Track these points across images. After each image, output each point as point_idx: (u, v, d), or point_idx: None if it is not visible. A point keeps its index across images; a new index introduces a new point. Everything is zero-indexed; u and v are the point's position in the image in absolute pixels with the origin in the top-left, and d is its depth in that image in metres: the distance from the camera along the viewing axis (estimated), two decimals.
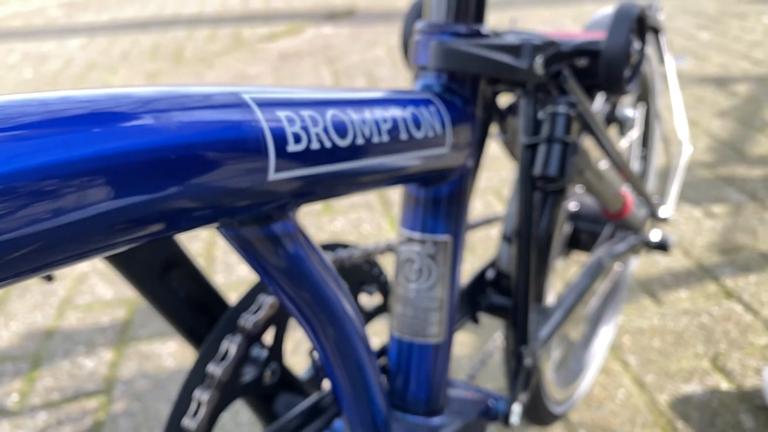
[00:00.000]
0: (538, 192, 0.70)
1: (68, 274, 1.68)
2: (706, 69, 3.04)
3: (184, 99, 0.31)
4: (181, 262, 0.56)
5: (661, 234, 1.09)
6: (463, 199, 0.56)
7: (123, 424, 1.20)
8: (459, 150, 0.51)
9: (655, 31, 1.02)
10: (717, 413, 1.17)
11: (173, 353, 1.38)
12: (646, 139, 1.24)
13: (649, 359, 1.31)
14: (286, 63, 3.51)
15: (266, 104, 0.34)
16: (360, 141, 0.39)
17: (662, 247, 1.08)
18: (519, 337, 0.71)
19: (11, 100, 0.25)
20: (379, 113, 0.42)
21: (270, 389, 0.59)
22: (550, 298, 0.91)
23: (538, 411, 1.03)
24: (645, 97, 1.15)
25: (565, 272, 1.26)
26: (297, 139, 0.35)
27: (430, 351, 0.59)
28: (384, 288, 0.69)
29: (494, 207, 1.93)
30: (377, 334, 1.34)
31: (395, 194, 2.00)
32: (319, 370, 0.61)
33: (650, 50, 1.08)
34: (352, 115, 0.39)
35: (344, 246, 0.64)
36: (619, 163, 0.78)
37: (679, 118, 1.13)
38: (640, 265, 1.60)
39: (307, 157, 0.35)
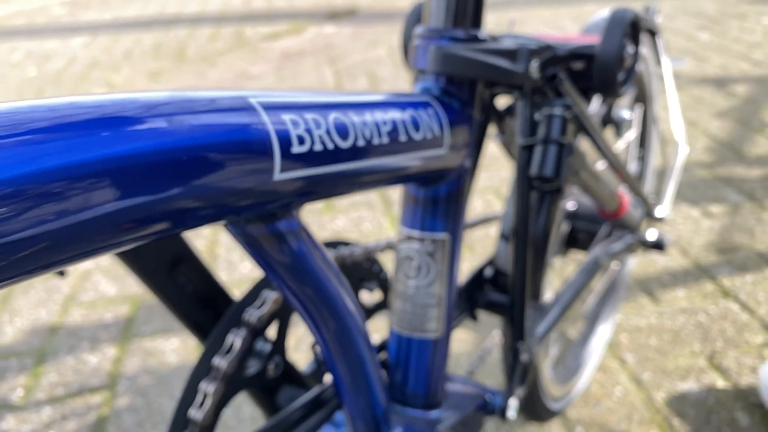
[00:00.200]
0: (534, 192, 0.72)
1: (72, 271, 1.70)
2: (705, 70, 3.05)
3: (194, 103, 0.32)
4: (188, 259, 0.58)
5: (657, 233, 1.11)
6: (461, 198, 0.58)
7: (127, 419, 1.22)
8: (457, 151, 0.53)
9: (652, 33, 1.04)
10: (713, 411, 1.18)
11: (176, 349, 1.40)
12: (643, 140, 1.25)
13: (646, 357, 1.33)
14: (288, 62, 3.53)
15: (272, 108, 0.36)
16: (361, 142, 0.41)
17: (658, 246, 1.09)
18: (516, 333, 0.73)
19: (39, 104, 0.27)
20: (380, 115, 0.43)
21: (273, 382, 0.61)
22: (548, 295, 0.93)
23: (535, 407, 1.04)
24: (642, 98, 1.16)
25: (563, 270, 1.27)
26: (301, 140, 0.36)
27: (428, 346, 0.61)
28: (384, 285, 0.71)
29: (494, 206, 1.94)
30: (377, 331, 1.35)
31: (396, 193, 2.02)
32: (320, 364, 0.62)
33: (647, 52, 1.09)
34: (354, 118, 0.41)
35: (346, 244, 0.66)
36: (614, 164, 0.80)
37: (675, 119, 1.14)
38: (638, 264, 1.62)
39: (310, 158, 0.37)
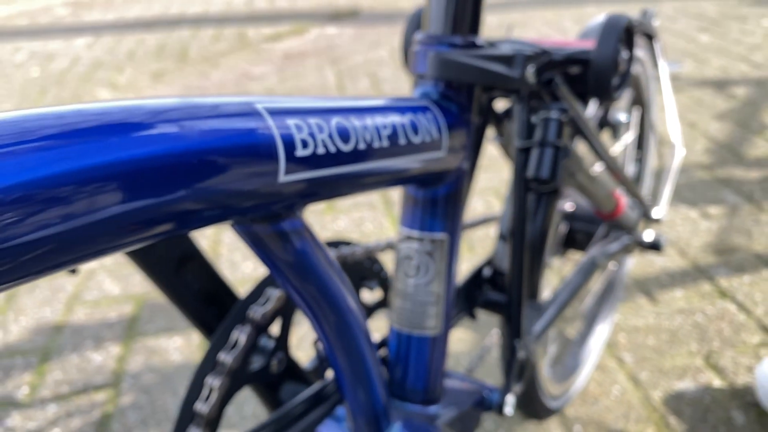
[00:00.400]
0: (531, 193, 0.73)
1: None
2: (705, 72, 3.06)
3: (203, 109, 0.34)
4: (195, 258, 0.60)
5: (654, 234, 1.12)
6: (459, 199, 0.59)
7: (131, 417, 1.24)
8: (455, 153, 0.54)
9: (649, 37, 1.06)
10: (709, 409, 1.20)
11: (179, 348, 1.42)
12: (641, 142, 1.27)
13: (643, 357, 1.34)
14: (290, 63, 3.54)
15: (277, 113, 0.37)
16: (362, 146, 0.43)
17: (655, 247, 1.11)
18: (513, 331, 0.75)
19: (57, 111, 0.28)
20: (380, 120, 0.45)
21: (276, 377, 0.63)
22: (547, 294, 0.95)
23: (534, 405, 1.06)
24: (640, 101, 1.18)
25: (561, 270, 1.29)
26: (304, 144, 0.38)
27: (427, 343, 0.62)
28: (384, 284, 0.73)
29: (494, 206, 1.96)
30: (377, 330, 1.37)
31: (397, 194, 2.04)
32: (323, 360, 0.64)
33: (645, 55, 1.11)
34: (355, 122, 0.43)
35: (347, 243, 0.68)
36: (611, 166, 0.82)
37: (672, 121, 1.16)
38: (636, 264, 1.63)
39: (313, 161, 0.39)
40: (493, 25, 4.10)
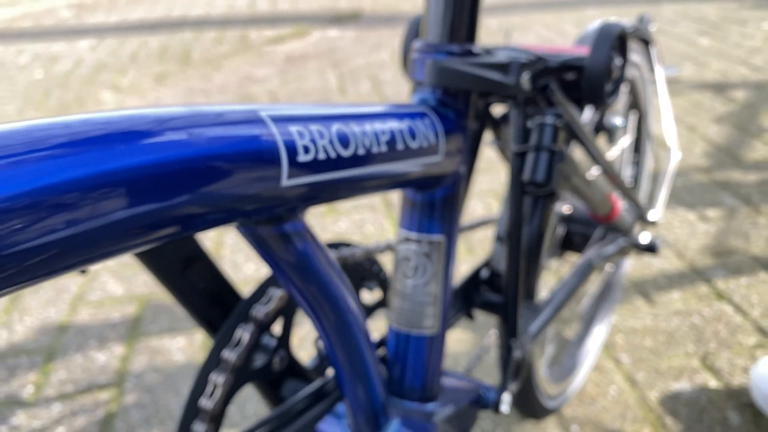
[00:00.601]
0: (528, 196, 0.75)
1: (79, 272, 1.74)
2: (705, 75, 3.08)
3: (209, 117, 0.36)
4: (200, 259, 0.62)
5: (650, 237, 1.14)
6: (456, 202, 0.61)
7: (134, 415, 1.26)
8: (451, 158, 0.56)
9: (646, 42, 1.07)
10: (705, 410, 1.22)
11: (182, 348, 1.43)
12: (638, 146, 1.29)
13: (641, 358, 1.36)
14: (292, 65, 3.57)
15: (280, 120, 0.39)
16: (361, 151, 0.44)
17: (651, 249, 1.12)
18: (509, 331, 0.76)
19: (73, 120, 0.30)
20: (378, 126, 0.47)
21: (278, 375, 0.64)
22: (544, 295, 0.96)
23: (531, 404, 1.08)
24: (637, 105, 1.19)
25: (559, 271, 1.31)
26: (306, 150, 0.40)
27: (425, 342, 0.64)
28: (383, 284, 0.75)
29: (493, 208, 1.98)
30: (377, 330, 1.39)
31: (397, 196, 2.05)
32: (323, 359, 0.66)
33: (641, 60, 1.13)
34: (354, 129, 0.44)
35: (347, 245, 0.70)
36: (606, 170, 0.83)
37: (668, 125, 1.18)
38: (634, 266, 1.65)
39: (315, 166, 0.41)
40: (494, 29, 4.12)
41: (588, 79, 0.64)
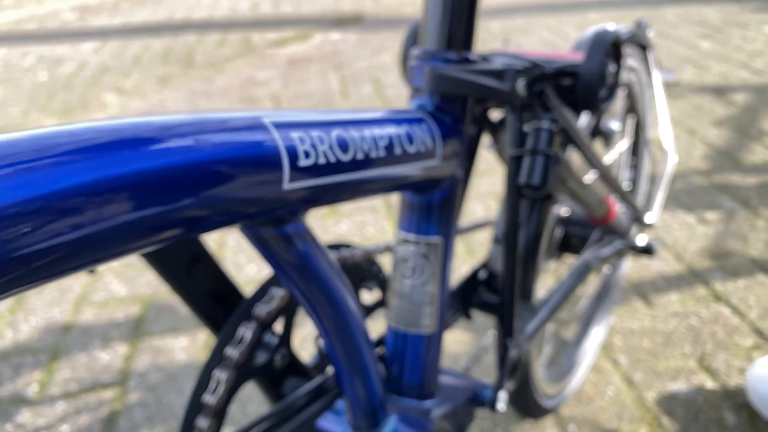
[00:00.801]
0: (524, 199, 0.77)
1: (82, 273, 1.76)
2: (705, 78, 3.09)
3: (213, 123, 0.38)
4: (204, 259, 0.64)
5: (646, 239, 1.15)
6: (454, 204, 0.63)
7: (137, 414, 1.27)
8: (449, 161, 0.58)
9: (643, 47, 1.09)
10: (701, 410, 1.23)
11: (185, 348, 1.45)
12: (635, 149, 1.30)
13: (638, 359, 1.37)
14: (295, 68, 3.59)
15: (282, 126, 0.41)
16: (360, 156, 0.46)
17: (647, 251, 1.14)
18: (506, 330, 0.78)
19: (86, 127, 0.32)
20: (377, 131, 0.49)
21: (279, 372, 0.66)
22: (542, 295, 0.98)
23: (528, 404, 1.09)
24: (634, 109, 1.21)
25: (557, 273, 1.32)
26: (307, 155, 0.42)
27: (423, 341, 0.66)
28: (382, 285, 0.76)
29: (493, 209, 1.99)
30: (376, 329, 1.40)
31: (398, 198, 2.07)
32: (323, 357, 0.67)
33: (639, 65, 1.14)
34: (354, 134, 0.46)
35: (347, 246, 0.72)
36: (602, 173, 0.85)
37: (665, 129, 1.19)
38: (633, 268, 1.66)
39: (315, 170, 0.42)
40: (496, 31, 4.14)
41: (582, 85, 0.66)
